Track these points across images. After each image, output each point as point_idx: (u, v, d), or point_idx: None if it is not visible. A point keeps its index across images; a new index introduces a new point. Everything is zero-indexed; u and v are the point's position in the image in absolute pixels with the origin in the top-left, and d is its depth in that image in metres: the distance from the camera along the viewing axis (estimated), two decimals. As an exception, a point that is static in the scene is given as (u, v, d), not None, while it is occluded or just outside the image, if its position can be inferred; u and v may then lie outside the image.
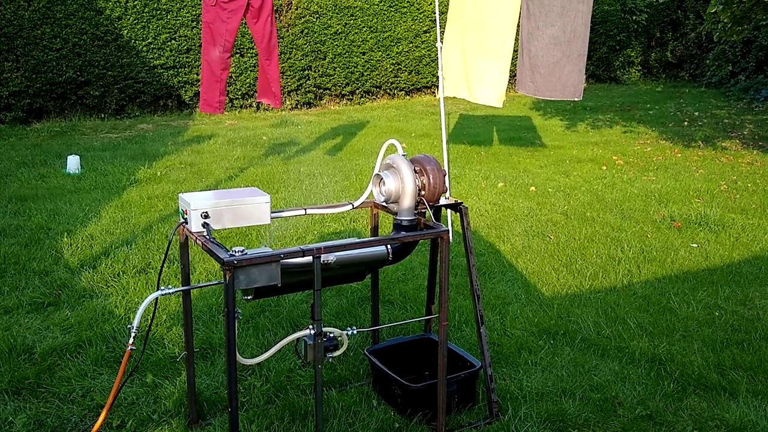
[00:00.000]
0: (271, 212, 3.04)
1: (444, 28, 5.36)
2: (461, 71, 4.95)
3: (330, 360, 3.03)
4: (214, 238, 2.81)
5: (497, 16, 4.72)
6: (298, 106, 13.89)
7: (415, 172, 3.14)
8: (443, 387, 3.15)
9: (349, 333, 3.16)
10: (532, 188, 7.64)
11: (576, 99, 4.80)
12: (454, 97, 5.16)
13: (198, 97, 12.18)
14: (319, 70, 13.84)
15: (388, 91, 14.83)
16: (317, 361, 2.88)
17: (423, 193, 3.15)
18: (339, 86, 14.13)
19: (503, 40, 4.69)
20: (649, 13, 17.24)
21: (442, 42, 5.37)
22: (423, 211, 3.23)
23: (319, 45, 13.67)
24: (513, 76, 4.99)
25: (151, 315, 3.80)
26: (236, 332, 2.74)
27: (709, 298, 4.80)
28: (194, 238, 2.88)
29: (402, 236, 3.09)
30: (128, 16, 11.91)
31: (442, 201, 3.35)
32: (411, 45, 14.58)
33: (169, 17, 12.26)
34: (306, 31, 13.52)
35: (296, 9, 13.42)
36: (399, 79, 14.73)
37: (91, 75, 11.79)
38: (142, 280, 4.94)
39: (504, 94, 4.76)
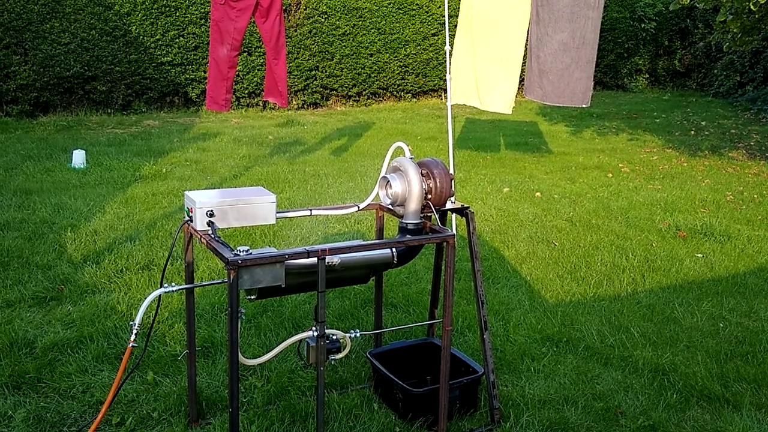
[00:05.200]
0: (277, 212, 3.02)
1: (453, 32, 5.35)
2: (471, 78, 4.94)
3: (332, 362, 3.01)
4: (219, 237, 2.79)
5: (508, 23, 4.70)
6: (305, 106, 13.89)
7: (422, 175, 3.12)
8: (445, 392, 3.14)
9: (352, 336, 3.14)
10: (538, 194, 7.62)
11: (584, 106, 4.80)
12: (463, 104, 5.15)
13: (205, 94, 12.18)
14: (326, 71, 13.84)
15: (395, 93, 14.82)
16: (319, 363, 2.87)
17: (429, 196, 3.14)
18: (346, 87, 14.13)
19: (513, 47, 4.69)
20: (657, 21, 17.21)
21: (450, 46, 5.36)
22: (429, 214, 3.21)
23: (326, 46, 13.67)
24: (521, 81, 4.98)
25: (153, 312, 3.79)
26: (239, 332, 2.72)
27: (713, 309, 4.78)
28: (199, 236, 2.86)
29: (408, 239, 3.07)
30: (137, 12, 11.92)
31: (449, 205, 3.34)
32: (419, 48, 14.57)
33: (177, 14, 12.27)
34: (314, 31, 13.52)
35: (305, 9, 13.42)
36: (406, 81, 14.72)
37: (98, 70, 11.80)
38: (145, 277, 4.93)
39: (513, 101, 4.76)
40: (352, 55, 13.96)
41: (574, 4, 4.56)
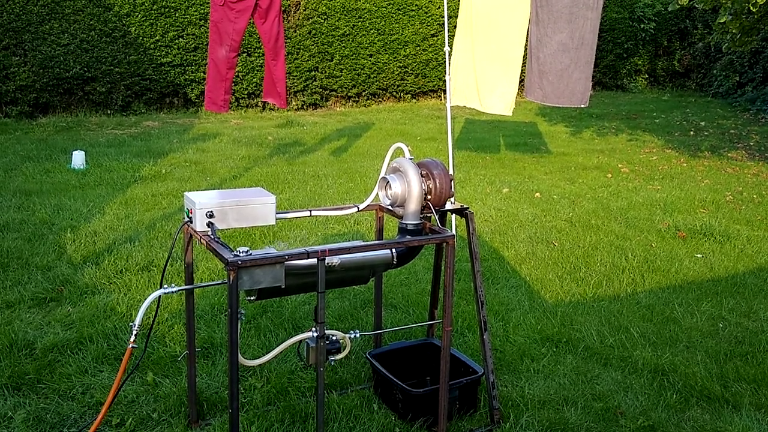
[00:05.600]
0: (276, 213, 3.02)
1: (452, 33, 5.35)
2: (471, 80, 4.94)
3: (332, 363, 3.02)
4: (219, 238, 2.79)
5: (508, 24, 4.71)
6: (304, 106, 13.89)
7: (422, 176, 3.13)
8: (445, 393, 3.14)
9: (352, 336, 3.14)
10: (537, 194, 7.62)
11: (582, 106, 4.81)
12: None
13: (204, 95, 12.18)
14: (325, 72, 13.84)
15: (395, 93, 14.82)
16: (319, 364, 2.87)
17: (429, 197, 3.14)
18: (345, 88, 14.13)
19: (513, 48, 4.69)
20: (657, 22, 17.22)
21: (450, 47, 5.37)
22: (428, 215, 3.21)
23: (326, 46, 13.68)
24: (521, 82, 5.00)
25: (153, 313, 3.79)
26: (239, 333, 2.72)
27: (713, 309, 4.78)
28: (198, 237, 2.86)
29: (407, 240, 3.08)
30: (136, 13, 11.92)
31: (448, 206, 3.34)
32: (418, 48, 14.57)
33: (177, 15, 12.28)
34: (313, 32, 13.53)
35: (304, 10, 13.43)
36: (405, 82, 14.72)
37: (98, 71, 11.81)
38: (144, 278, 4.93)
39: (513, 103, 4.76)
40: (352, 55, 13.97)
41: (572, 5, 4.56)
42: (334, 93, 14.17)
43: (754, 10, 7.93)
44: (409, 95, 14.98)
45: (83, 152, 8.34)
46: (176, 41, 12.36)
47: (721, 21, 9.11)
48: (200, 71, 12.55)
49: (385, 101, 14.82)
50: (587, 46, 4.62)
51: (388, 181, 3.14)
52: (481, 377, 3.43)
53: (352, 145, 10.22)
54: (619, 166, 9.24)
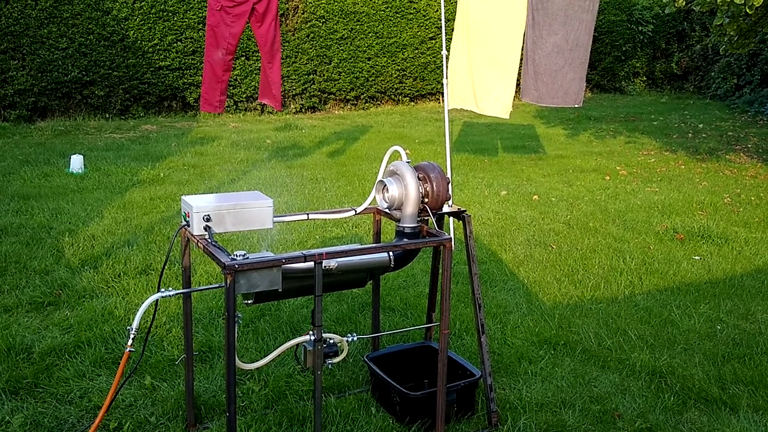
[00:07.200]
0: (274, 216, 3.03)
1: (450, 36, 5.38)
2: (468, 82, 4.97)
3: (329, 366, 3.02)
4: (216, 242, 2.80)
5: (505, 28, 4.74)
6: (303, 110, 13.90)
7: (419, 179, 3.13)
8: (443, 396, 3.14)
9: (350, 339, 3.14)
10: (535, 197, 7.63)
11: (576, 105, 4.84)
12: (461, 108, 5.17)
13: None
14: (324, 75, 13.86)
15: (393, 96, 14.84)
16: (317, 367, 2.87)
17: (426, 200, 3.15)
18: (344, 91, 14.15)
19: (510, 52, 4.72)
20: (655, 24, 17.26)
21: (447, 50, 5.38)
22: (426, 218, 3.22)
23: (324, 50, 13.69)
24: (518, 84, 5.04)
25: (151, 317, 3.79)
26: (236, 336, 2.73)
27: (711, 311, 4.78)
28: (196, 240, 2.87)
29: (404, 243, 3.08)
30: (135, 17, 11.94)
31: (445, 209, 3.34)
32: (416, 51, 14.60)
33: (175, 19, 12.29)
34: (312, 35, 13.55)
35: (302, 13, 13.45)
36: (404, 85, 14.74)
37: (96, 75, 11.82)
38: (142, 282, 4.93)
39: (510, 105, 4.78)
40: (350, 59, 13.99)
41: (568, 8, 4.59)
42: (332, 96, 14.19)
43: (750, 12, 7.95)
44: (408, 98, 15.01)
45: (81, 156, 8.34)
46: (174, 45, 12.37)
47: (718, 23, 9.13)
48: (198, 75, 12.55)
49: (384, 104, 14.84)
50: (582, 47, 4.65)
51: (385, 185, 3.15)
52: (478, 380, 3.43)
53: (350, 148, 10.23)
54: (617, 168, 9.25)
